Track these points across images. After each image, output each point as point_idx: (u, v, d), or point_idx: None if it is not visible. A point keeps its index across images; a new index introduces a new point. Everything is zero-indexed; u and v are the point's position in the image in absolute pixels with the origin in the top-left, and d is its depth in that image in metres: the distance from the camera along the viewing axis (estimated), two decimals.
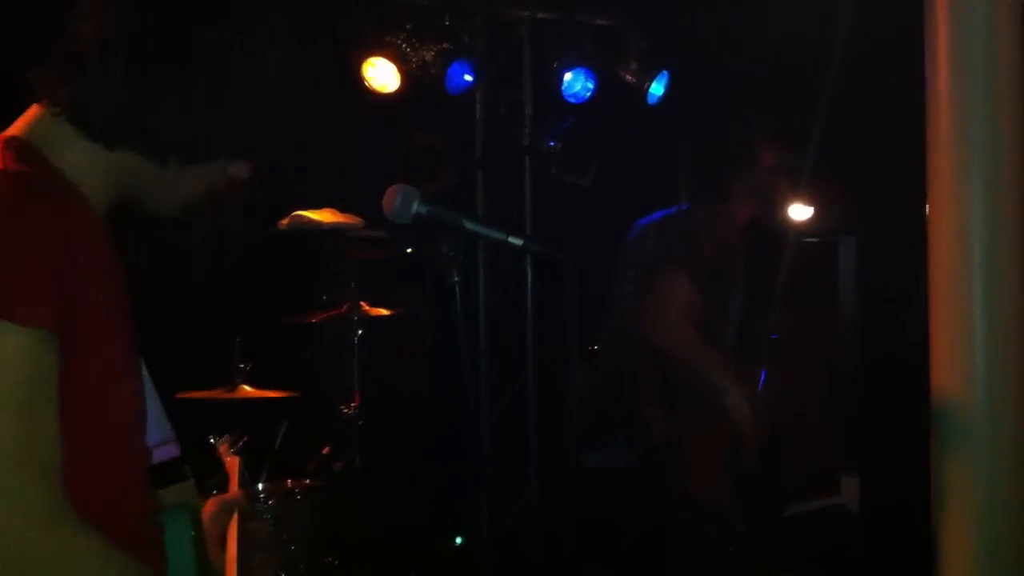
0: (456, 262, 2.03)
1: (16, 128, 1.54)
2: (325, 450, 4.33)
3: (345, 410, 4.35)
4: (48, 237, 1.37)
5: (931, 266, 2.18)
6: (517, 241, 2.02)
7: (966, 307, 2.11)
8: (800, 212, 5.87)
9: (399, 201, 2.03)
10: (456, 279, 2.06)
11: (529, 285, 5.48)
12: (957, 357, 2.14)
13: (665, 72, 5.32)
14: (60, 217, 1.41)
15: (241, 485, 2.64)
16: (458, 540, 5.01)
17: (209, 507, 1.90)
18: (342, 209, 5.10)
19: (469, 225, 2.02)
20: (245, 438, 2.89)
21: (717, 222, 3.69)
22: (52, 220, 1.38)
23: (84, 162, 1.54)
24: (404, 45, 4.85)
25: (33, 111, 1.55)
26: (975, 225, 2.09)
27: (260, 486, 3.94)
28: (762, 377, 3.70)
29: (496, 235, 2.03)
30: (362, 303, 4.45)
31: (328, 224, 5.04)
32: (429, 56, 4.88)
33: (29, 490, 1.30)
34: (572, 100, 5.26)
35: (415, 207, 2.03)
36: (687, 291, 3.46)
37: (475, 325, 5.25)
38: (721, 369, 3.41)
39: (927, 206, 2.21)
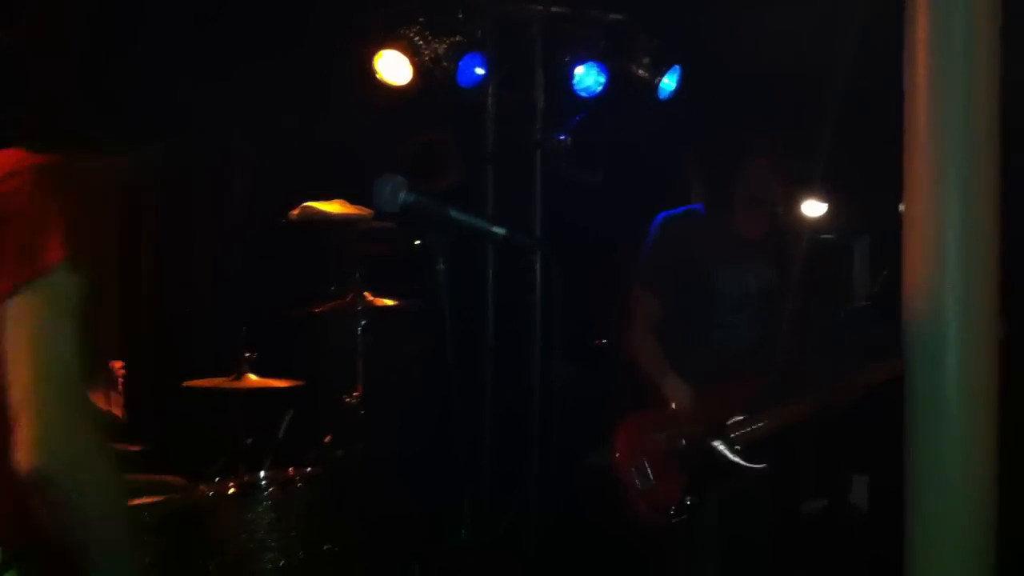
0: (442, 249, 2.05)
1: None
2: (327, 439, 4.36)
3: (348, 400, 4.38)
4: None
5: (904, 271, 2.19)
6: (500, 231, 2.06)
7: (939, 300, 2.13)
8: (815, 209, 5.87)
9: (386, 190, 2.06)
10: (441, 267, 2.08)
11: (538, 281, 5.49)
12: (930, 348, 2.16)
13: (677, 67, 5.32)
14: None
15: None
16: (461, 532, 5.03)
17: None
18: (352, 201, 5.14)
19: (454, 214, 2.05)
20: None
21: (681, 229, 3.76)
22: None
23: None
24: (417, 38, 4.87)
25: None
26: (951, 233, 2.11)
27: (262, 473, 3.98)
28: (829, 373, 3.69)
29: (480, 224, 2.06)
30: (366, 293, 4.47)
31: (338, 216, 5.07)
32: (441, 50, 4.90)
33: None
34: (584, 95, 5.26)
35: (402, 196, 2.06)
36: (643, 303, 3.70)
37: (483, 320, 5.27)
38: (666, 379, 3.62)
39: (901, 208, 2.23)
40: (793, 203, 4.28)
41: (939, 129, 2.11)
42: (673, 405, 3.57)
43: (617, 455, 3.65)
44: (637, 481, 3.60)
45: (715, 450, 3.51)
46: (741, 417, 3.54)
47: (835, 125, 5.28)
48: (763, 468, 3.57)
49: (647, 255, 3.75)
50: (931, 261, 2.14)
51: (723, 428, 3.52)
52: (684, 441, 3.53)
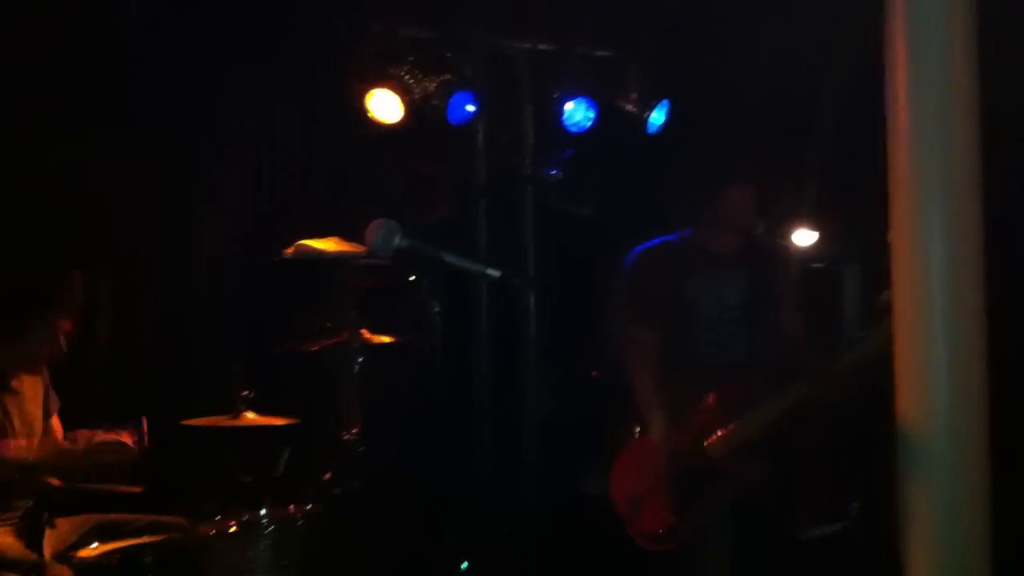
0: (435, 292, 2.10)
1: None
2: (326, 476, 4.38)
3: (346, 436, 4.41)
4: None
5: (894, 295, 2.25)
6: (495, 273, 2.11)
7: (927, 335, 2.19)
8: (805, 238, 5.92)
9: (381, 235, 2.12)
10: (436, 309, 2.13)
11: (532, 311, 5.53)
12: (918, 384, 2.21)
13: (666, 101, 5.39)
14: None
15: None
16: (463, 565, 5.05)
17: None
18: (345, 238, 5.18)
19: (448, 258, 2.10)
20: None
21: (655, 257, 3.87)
22: None
23: None
24: (407, 76, 4.93)
25: None
26: (935, 258, 2.17)
27: (262, 511, 4.00)
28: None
29: (474, 267, 2.11)
30: (362, 331, 4.51)
31: (331, 253, 5.11)
32: (431, 87, 4.96)
33: None
34: (573, 130, 5.33)
35: (396, 241, 2.11)
36: (638, 337, 3.81)
37: (478, 352, 5.29)
38: (652, 414, 3.71)
39: (889, 237, 2.29)
40: (774, 225, 4.37)
41: (921, 170, 2.18)
42: (656, 439, 3.68)
43: (612, 488, 3.74)
44: (632, 511, 3.67)
45: (698, 470, 3.59)
46: (721, 431, 3.62)
47: (823, 153, 5.35)
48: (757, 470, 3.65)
49: (630, 288, 3.86)
50: (919, 288, 2.20)
51: (701, 447, 3.60)
52: (670, 468, 3.59)
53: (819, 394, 3.65)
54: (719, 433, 3.62)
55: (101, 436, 4.00)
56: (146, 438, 4.06)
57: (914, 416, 2.25)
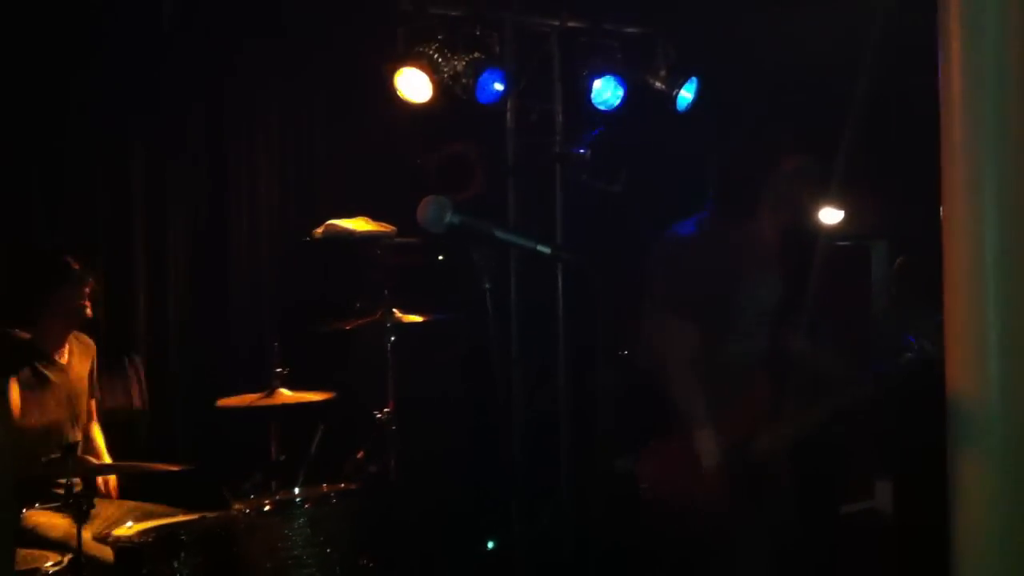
0: (488, 269, 2.10)
1: None
2: (360, 454, 4.40)
3: (379, 415, 4.42)
4: None
5: (945, 269, 2.23)
6: (545, 249, 2.10)
7: (980, 308, 2.17)
8: (832, 215, 5.90)
9: (432, 211, 2.11)
10: (488, 285, 2.13)
11: (560, 291, 5.53)
12: (971, 357, 2.19)
13: (695, 78, 5.36)
14: None
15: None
16: (490, 544, 5.06)
17: None
18: (375, 217, 5.19)
19: (499, 234, 2.10)
20: None
21: (701, 244, 3.66)
22: None
23: None
24: (436, 55, 4.91)
25: None
26: (988, 229, 2.15)
27: (296, 490, 4.03)
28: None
29: (525, 243, 2.11)
30: (395, 309, 4.52)
31: (361, 232, 5.12)
32: (460, 66, 4.94)
33: None
34: (602, 108, 5.31)
35: (448, 217, 2.11)
36: (680, 334, 3.55)
37: (507, 331, 5.29)
38: (698, 415, 3.51)
39: (941, 210, 2.27)
40: (814, 208, 4.24)
41: (975, 141, 2.16)
42: (701, 457, 3.49)
43: (647, 486, 3.66)
44: (671, 508, 3.60)
45: (747, 462, 3.53)
46: (762, 432, 3.55)
47: (854, 129, 5.32)
48: (787, 475, 3.60)
49: (674, 277, 3.62)
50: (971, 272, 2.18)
51: (745, 449, 3.54)
52: (719, 466, 3.51)
53: (859, 402, 3.59)
54: (764, 433, 3.55)
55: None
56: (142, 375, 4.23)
57: (966, 390, 2.24)
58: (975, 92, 2.18)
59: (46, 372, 4.14)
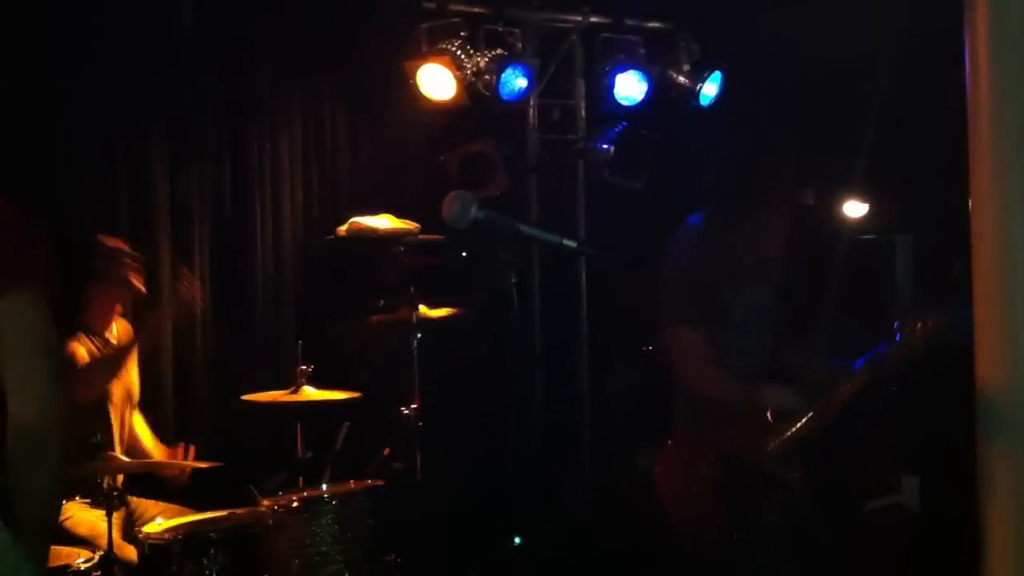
0: (512, 265, 2.10)
1: None
2: (386, 451, 4.42)
3: (405, 412, 4.43)
4: None
5: (974, 260, 2.22)
6: (571, 244, 2.11)
7: (1009, 301, 2.16)
8: (856, 209, 5.86)
9: (458, 207, 2.12)
10: (513, 281, 2.13)
11: (583, 288, 5.53)
12: (1000, 349, 2.18)
13: (718, 73, 5.35)
14: None
15: None
16: (516, 540, 5.07)
17: None
18: (398, 215, 5.21)
19: (524, 229, 2.10)
20: None
21: (708, 243, 3.59)
22: None
23: None
24: (459, 52, 4.92)
25: None
26: (1016, 221, 2.14)
27: (323, 487, 4.04)
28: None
29: (550, 239, 2.11)
30: (421, 306, 4.52)
31: (384, 230, 5.14)
32: (483, 63, 4.95)
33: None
34: (624, 104, 5.30)
35: (473, 212, 2.11)
36: (699, 344, 3.50)
37: (530, 329, 5.29)
38: (746, 392, 3.49)
39: (969, 203, 2.26)
40: (823, 208, 4.16)
41: (1003, 131, 2.14)
42: (712, 439, 3.49)
43: (662, 489, 3.64)
44: (685, 511, 3.57)
45: (756, 470, 3.50)
46: (776, 429, 3.52)
47: (876, 124, 5.29)
48: (803, 474, 3.57)
49: (675, 285, 3.58)
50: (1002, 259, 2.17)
51: (761, 447, 3.51)
52: (726, 468, 3.49)
53: (877, 383, 3.54)
54: (775, 439, 3.52)
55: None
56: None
57: (996, 382, 2.23)
58: (1002, 86, 2.17)
59: (98, 345, 4.17)
